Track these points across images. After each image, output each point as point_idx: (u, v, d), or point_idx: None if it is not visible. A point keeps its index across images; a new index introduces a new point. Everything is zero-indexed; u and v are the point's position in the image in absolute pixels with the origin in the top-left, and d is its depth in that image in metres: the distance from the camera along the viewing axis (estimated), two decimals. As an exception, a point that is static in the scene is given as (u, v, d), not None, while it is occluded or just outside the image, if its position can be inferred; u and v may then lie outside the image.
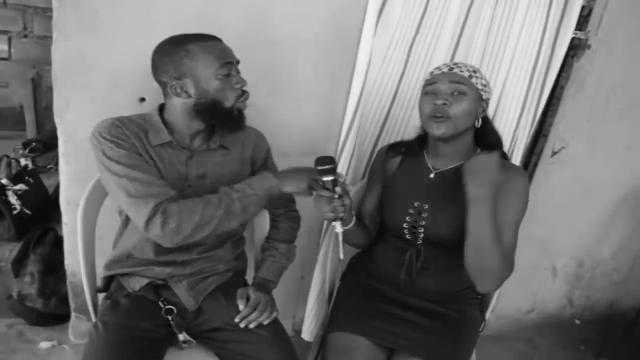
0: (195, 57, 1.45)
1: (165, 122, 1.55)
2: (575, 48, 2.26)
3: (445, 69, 1.62)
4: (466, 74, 1.59)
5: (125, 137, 1.46)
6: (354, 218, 1.68)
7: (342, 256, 1.57)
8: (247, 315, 1.60)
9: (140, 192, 1.40)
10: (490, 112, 2.10)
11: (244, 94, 1.55)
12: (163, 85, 1.51)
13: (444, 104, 1.57)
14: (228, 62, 1.50)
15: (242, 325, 1.58)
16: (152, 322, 1.56)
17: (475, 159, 1.52)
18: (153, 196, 1.40)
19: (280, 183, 1.53)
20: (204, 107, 1.50)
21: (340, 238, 1.56)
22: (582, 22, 2.19)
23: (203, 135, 1.61)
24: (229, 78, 1.51)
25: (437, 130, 1.60)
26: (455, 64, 1.63)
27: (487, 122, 1.68)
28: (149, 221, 1.39)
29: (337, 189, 1.50)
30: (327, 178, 1.49)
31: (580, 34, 2.21)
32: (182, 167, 1.57)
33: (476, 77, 1.59)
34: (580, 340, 3.05)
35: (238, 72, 1.55)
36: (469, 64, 1.64)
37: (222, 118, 1.54)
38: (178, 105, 1.52)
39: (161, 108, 1.59)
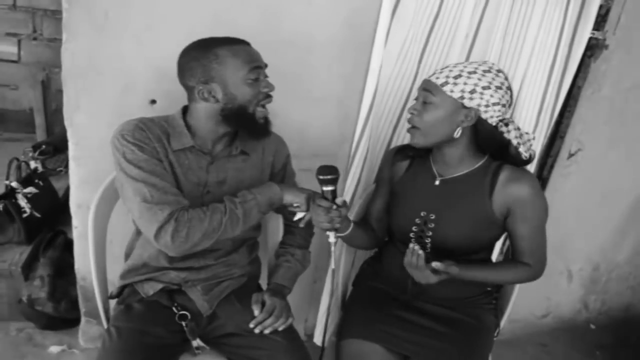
0: (224, 61, 1.44)
1: (187, 126, 1.53)
2: (593, 48, 2.22)
3: (428, 76, 1.59)
4: (440, 81, 1.52)
5: (148, 140, 1.45)
6: (352, 225, 1.64)
7: (333, 266, 1.56)
8: (262, 321, 1.57)
9: (156, 198, 1.39)
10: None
11: (266, 97, 1.53)
12: (189, 89, 1.50)
13: (411, 113, 1.56)
14: (257, 66, 1.48)
15: (257, 330, 1.56)
16: (165, 328, 1.54)
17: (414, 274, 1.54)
18: (169, 204, 1.40)
19: (282, 192, 1.56)
20: (231, 112, 1.48)
21: (333, 248, 1.55)
22: (600, 21, 2.16)
23: (226, 140, 1.59)
24: (258, 82, 1.49)
25: (410, 139, 1.60)
26: (444, 68, 1.57)
27: (480, 130, 1.56)
28: (160, 228, 1.38)
29: (338, 199, 1.50)
30: (328, 188, 1.49)
31: (597, 34, 2.17)
32: (202, 172, 1.55)
33: (455, 84, 1.50)
34: (596, 345, 3.00)
35: (266, 76, 1.54)
36: (464, 65, 1.54)
37: (247, 124, 1.53)
38: (203, 110, 1.50)
39: (184, 111, 1.57)
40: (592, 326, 3.16)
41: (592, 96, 2.34)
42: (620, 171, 2.66)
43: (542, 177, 2.48)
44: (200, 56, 1.44)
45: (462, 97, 1.50)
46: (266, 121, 1.56)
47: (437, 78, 1.53)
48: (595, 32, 2.15)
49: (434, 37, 1.98)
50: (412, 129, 1.57)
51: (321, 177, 1.48)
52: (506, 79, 1.56)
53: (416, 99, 1.59)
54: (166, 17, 1.76)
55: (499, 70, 1.56)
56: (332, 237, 1.53)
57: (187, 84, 1.49)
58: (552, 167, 2.47)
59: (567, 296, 3.01)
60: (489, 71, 1.52)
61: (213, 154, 1.57)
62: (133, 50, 1.78)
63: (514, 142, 1.58)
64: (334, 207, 1.49)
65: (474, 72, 1.51)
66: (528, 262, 1.63)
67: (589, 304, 3.11)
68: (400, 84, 2.02)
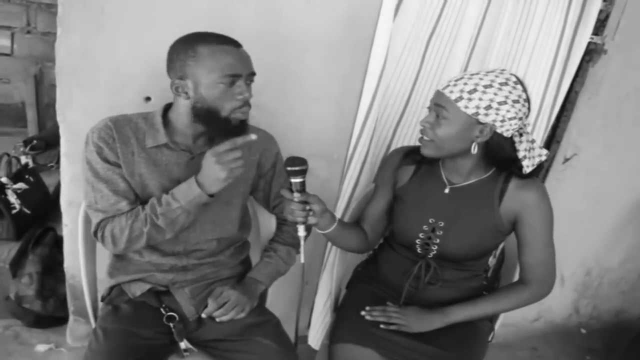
0: (201, 60, 1.39)
1: (167, 122, 1.52)
2: (591, 53, 2.21)
3: (442, 87, 1.49)
4: (454, 96, 1.44)
5: (111, 141, 1.46)
6: (335, 223, 1.60)
7: (302, 260, 1.56)
8: (212, 312, 1.58)
9: (99, 205, 1.47)
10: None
11: (243, 106, 1.47)
12: (171, 81, 1.47)
13: (424, 126, 1.52)
14: (234, 74, 1.42)
15: (203, 315, 1.60)
16: (153, 330, 1.53)
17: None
18: (103, 212, 1.47)
19: (204, 188, 1.43)
20: (201, 112, 1.45)
21: (302, 242, 1.54)
22: (599, 26, 2.15)
23: (206, 137, 1.56)
24: (232, 87, 1.43)
25: (422, 149, 1.55)
26: (460, 79, 1.47)
27: (492, 145, 1.51)
28: (95, 233, 1.51)
29: (296, 194, 1.48)
30: (294, 180, 1.47)
31: (596, 39, 2.16)
32: (181, 168, 1.53)
33: (469, 99, 1.42)
34: (586, 350, 3.02)
35: (250, 82, 1.48)
36: (480, 77, 1.45)
37: (218, 126, 1.47)
38: (182, 105, 1.48)
39: (167, 108, 1.55)
40: (583, 330, 3.17)
41: (589, 101, 2.33)
42: (615, 176, 2.65)
43: (537, 182, 2.48)
44: (181, 50, 1.42)
45: (476, 114, 1.43)
46: (242, 123, 1.50)
47: (451, 92, 1.45)
48: (594, 36, 2.14)
49: (435, 39, 1.96)
50: (425, 140, 1.52)
51: (288, 168, 1.46)
52: (524, 90, 1.47)
53: (429, 108, 1.53)
54: (163, 14, 1.73)
55: (517, 81, 1.47)
56: (300, 230, 1.52)
57: (169, 75, 1.47)
58: (547, 171, 2.47)
59: (558, 300, 3.00)
60: (505, 84, 1.43)
61: (193, 150, 1.55)
62: (129, 46, 1.75)
63: (521, 154, 1.52)
64: (295, 200, 1.47)
65: (490, 86, 1.42)
66: (530, 278, 1.61)
67: (580, 309, 3.12)
68: (401, 86, 2.00)
